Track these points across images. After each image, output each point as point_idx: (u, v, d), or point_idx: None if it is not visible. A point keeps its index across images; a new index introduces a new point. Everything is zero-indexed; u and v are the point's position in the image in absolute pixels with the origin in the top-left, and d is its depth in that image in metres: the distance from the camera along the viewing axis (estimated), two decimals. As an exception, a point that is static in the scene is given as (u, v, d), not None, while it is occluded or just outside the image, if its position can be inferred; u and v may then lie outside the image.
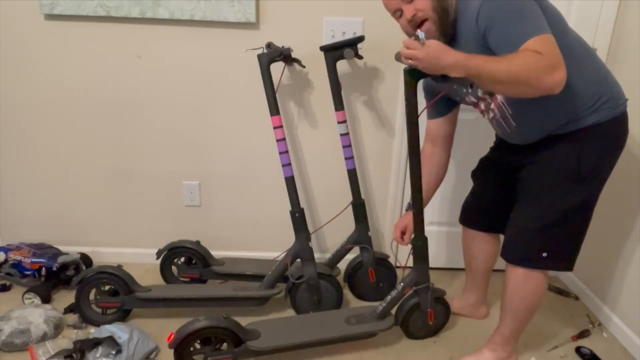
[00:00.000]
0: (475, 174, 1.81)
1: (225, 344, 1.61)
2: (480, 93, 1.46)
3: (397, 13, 1.40)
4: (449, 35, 1.37)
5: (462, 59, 1.21)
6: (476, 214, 1.80)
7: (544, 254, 1.47)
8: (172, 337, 1.53)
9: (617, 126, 1.42)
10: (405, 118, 1.48)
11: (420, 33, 1.25)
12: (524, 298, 1.55)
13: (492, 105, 1.48)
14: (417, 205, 1.59)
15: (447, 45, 1.26)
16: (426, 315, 1.75)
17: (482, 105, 1.52)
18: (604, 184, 1.46)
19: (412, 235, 1.67)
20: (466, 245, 1.88)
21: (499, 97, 1.44)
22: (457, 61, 1.21)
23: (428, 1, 1.33)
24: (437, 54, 1.22)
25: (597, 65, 1.43)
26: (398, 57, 1.33)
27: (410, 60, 1.26)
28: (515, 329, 1.63)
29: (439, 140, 1.70)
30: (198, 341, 1.58)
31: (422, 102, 1.56)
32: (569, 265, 1.52)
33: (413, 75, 1.38)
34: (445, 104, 1.64)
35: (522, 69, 1.17)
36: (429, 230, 1.85)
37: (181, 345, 1.53)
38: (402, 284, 1.71)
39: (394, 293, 1.73)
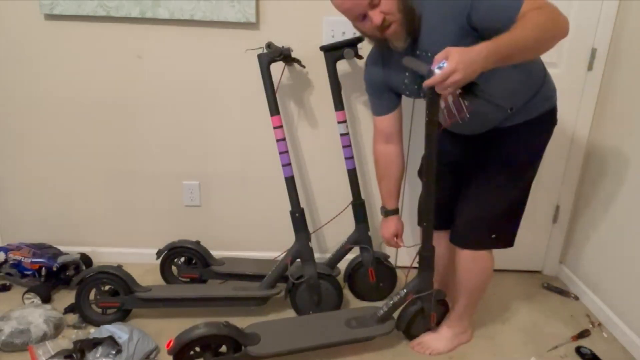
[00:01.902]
0: (421, 173, 1.78)
1: (224, 346, 1.61)
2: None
3: (359, 18, 1.36)
4: (416, 32, 1.37)
5: (491, 47, 1.16)
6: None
7: (493, 236, 1.59)
8: (171, 344, 1.52)
9: (554, 115, 1.55)
10: (425, 135, 1.41)
11: (440, 64, 1.15)
12: (474, 277, 1.67)
13: (449, 96, 1.46)
14: (429, 218, 1.57)
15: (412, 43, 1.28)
16: (429, 319, 1.75)
17: None
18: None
19: (419, 246, 1.65)
20: None
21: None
22: (487, 53, 1.16)
23: (393, 2, 1.31)
24: (470, 60, 1.14)
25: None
26: (434, 94, 1.24)
27: (450, 88, 1.16)
28: (469, 306, 1.75)
29: (393, 136, 1.67)
30: (197, 346, 1.58)
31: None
32: (512, 241, 1.65)
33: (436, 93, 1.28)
34: (395, 98, 1.62)
35: (544, 29, 1.20)
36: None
37: (180, 351, 1.53)
38: (405, 290, 1.70)
39: (395, 298, 1.72)
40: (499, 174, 1.54)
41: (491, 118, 1.49)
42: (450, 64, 1.13)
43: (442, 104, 1.50)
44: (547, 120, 1.53)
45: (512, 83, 1.41)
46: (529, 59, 1.35)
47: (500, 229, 1.60)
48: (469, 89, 1.22)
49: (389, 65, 1.51)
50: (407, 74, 1.49)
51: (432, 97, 1.32)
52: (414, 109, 2.07)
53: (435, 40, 1.26)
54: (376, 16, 1.32)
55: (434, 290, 1.70)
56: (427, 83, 1.19)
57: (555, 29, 1.22)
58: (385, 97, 1.62)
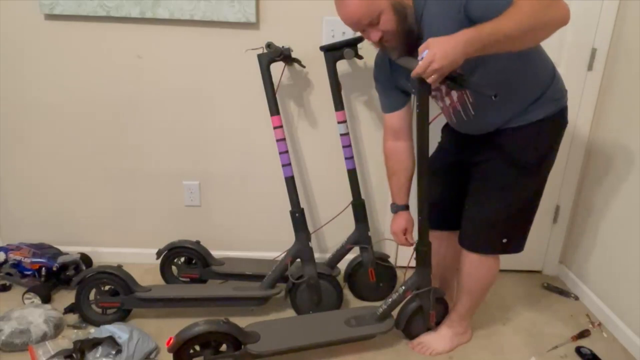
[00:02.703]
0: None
1: (224, 345, 1.61)
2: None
3: (359, 30, 1.42)
4: (411, 47, 1.38)
5: (472, 34, 1.18)
6: (436, 215, 1.72)
7: (504, 240, 1.59)
8: (171, 342, 1.52)
9: (564, 117, 1.52)
10: (416, 129, 1.44)
11: (422, 55, 1.21)
12: (478, 280, 1.67)
13: (453, 93, 1.49)
14: (424, 211, 1.57)
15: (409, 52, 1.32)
16: (428, 317, 1.75)
17: (443, 91, 1.52)
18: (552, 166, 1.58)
19: (416, 240, 1.66)
20: (434, 248, 1.79)
21: None
22: (468, 39, 1.18)
23: (393, 22, 1.34)
24: (447, 47, 1.18)
25: (547, 56, 1.49)
26: (424, 83, 1.29)
27: (433, 76, 1.21)
28: (471, 307, 1.75)
29: (402, 133, 1.66)
30: (197, 344, 1.58)
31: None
32: (523, 246, 1.63)
33: (426, 83, 1.32)
34: (403, 96, 1.62)
35: (533, 16, 1.17)
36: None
37: (180, 349, 1.53)
38: (403, 287, 1.71)
39: (394, 296, 1.72)
40: (507, 175, 1.52)
41: (496, 116, 1.48)
42: (428, 54, 1.19)
43: (448, 102, 1.51)
44: (556, 121, 1.50)
45: (515, 82, 1.42)
46: (524, 47, 1.32)
47: (511, 233, 1.59)
48: (454, 80, 1.27)
49: (396, 64, 1.51)
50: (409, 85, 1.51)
51: (421, 89, 1.36)
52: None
53: (436, 36, 1.27)
54: (374, 34, 1.38)
55: (433, 287, 1.70)
56: (412, 74, 1.25)
57: (548, 16, 1.19)
58: (393, 95, 1.62)
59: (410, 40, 1.37)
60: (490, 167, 1.54)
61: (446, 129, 1.76)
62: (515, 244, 1.61)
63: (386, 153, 1.72)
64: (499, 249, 1.61)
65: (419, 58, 1.22)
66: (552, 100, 1.47)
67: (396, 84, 1.59)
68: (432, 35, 1.24)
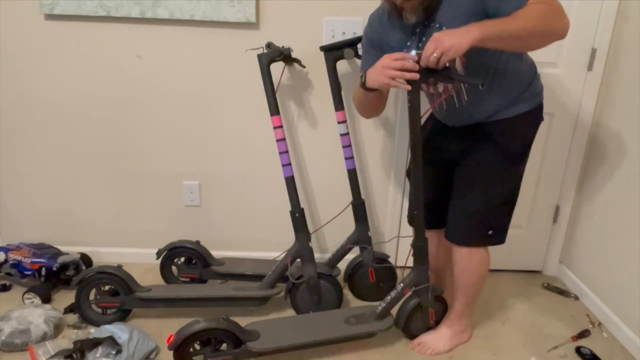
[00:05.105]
0: (409, 174, 1.73)
1: (225, 344, 1.61)
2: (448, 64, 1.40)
3: None
4: (432, 10, 1.39)
5: (479, 25, 1.25)
6: (426, 214, 1.69)
7: (490, 232, 1.62)
8: (171, 339, 1.53)
9: (542, 110, 1.59)
10: (409, 123, 1.48)
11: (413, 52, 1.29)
12: (471, 274, 1.69)
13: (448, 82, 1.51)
14: (419, 207, 1.59)
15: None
16: (427, 315, 1.75)
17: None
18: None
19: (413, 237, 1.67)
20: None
21: (460, 69, 1.46)
22: (473, 28, 1.24)
23: None
24: (454, 32, 1.24)
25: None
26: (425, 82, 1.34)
27: (441, 59, 1.26)
28: (467, 303, 1.75)
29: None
30: (198, 342, 1.58)
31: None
32: (505, 238, 1.66)
33: (415, 81, 1.36)
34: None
35: (539, 23, 1.25)
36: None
37: (181, 347, 1.53)
38: (401, 285, 1.72)
39: (393, 293, 1.73)
40: (495, 165, 1.56)
41: (490, 103, 1.51)
42: (435, 36, 1.25)
43: (441, 89, 1.53)
44: (537, 114, 1.57)
45: (507, 70, 1.46)
46: (522, 50, 1.41)
47: (496, 224, 1.63)
48: (443, 74, 1.32)
49: (387, 27, 1.53)
50: (404, 50, 1.50)
51: (414, 86, 1.39)
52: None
53: (451, 15, 1.33)
54: None
55: (431, 284, 1.71)
56: (423, 52, 1.29)
57: (552, 25, 1.27)
58: (376, 55, 1.54)
59: (431, 7, 1.39)
60: (477, 157, 1.57)
61: (428, 126, 1.74)
62: (500, 235, 1.65)
63: (355, 103, 1.70)
64: (485, 241, 1.64)
65: (413, 54, 1.30)
66: (535, 94, 1.54)
67: (382, 46, 1.57)
68: (447, 4, 1.33)
